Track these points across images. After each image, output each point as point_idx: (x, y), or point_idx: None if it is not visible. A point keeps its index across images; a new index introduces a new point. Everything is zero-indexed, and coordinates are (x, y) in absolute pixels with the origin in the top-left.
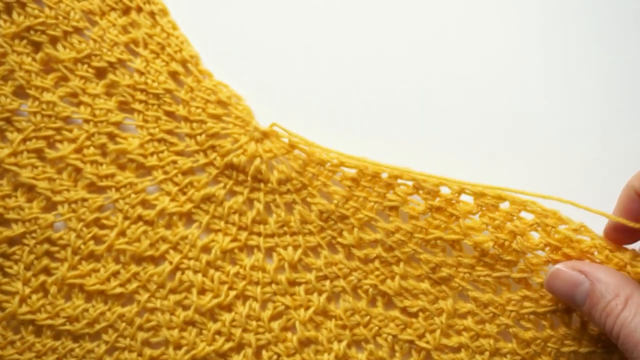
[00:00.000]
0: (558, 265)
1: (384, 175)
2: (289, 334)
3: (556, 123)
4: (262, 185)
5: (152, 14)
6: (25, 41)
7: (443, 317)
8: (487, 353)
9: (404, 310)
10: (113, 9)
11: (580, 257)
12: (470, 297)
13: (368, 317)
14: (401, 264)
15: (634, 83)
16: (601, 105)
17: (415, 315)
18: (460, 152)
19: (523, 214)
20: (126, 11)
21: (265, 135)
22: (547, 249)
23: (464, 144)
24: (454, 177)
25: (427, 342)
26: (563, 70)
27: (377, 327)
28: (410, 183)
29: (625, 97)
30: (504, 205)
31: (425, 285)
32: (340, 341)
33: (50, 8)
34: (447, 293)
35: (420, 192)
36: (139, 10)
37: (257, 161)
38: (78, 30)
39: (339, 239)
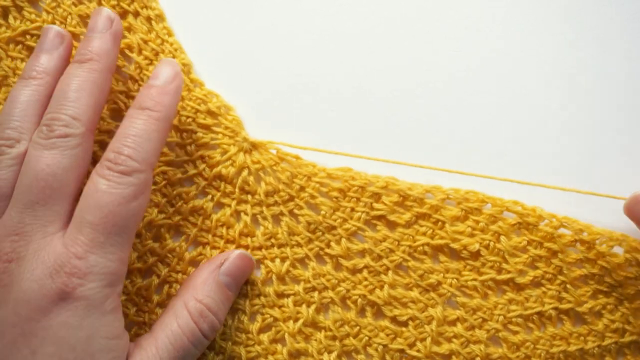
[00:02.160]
0: None
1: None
2: (278, 346)
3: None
4: (249, 197)
5: (148, 19)
6: (20, 46)
7: (433, 325)
8: (478, 359)
9: (393, 319)
10: None
11: (562, 250)
12: (459, 303)
13: (358, 327)
14: (389, 273)
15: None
16: (603, 101)
17: (405, 324)
18: (459, 150)
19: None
20: (123, 15)
21: (254, 146)
22: (530, 246)
23: (463, 142)
24: (445, 178)
25: (418, 351)
26: (565, 67)
27: (367, 337)
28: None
29: (626, 93)
30: (488, 207)
31: (414, 293)
32: (330, 352)
33: (48, 12)
34: (436, 300)
35: (406, 201)
36: (137, 14)
37: (245, 172)
38: (75, 36)
39: (327, 250)
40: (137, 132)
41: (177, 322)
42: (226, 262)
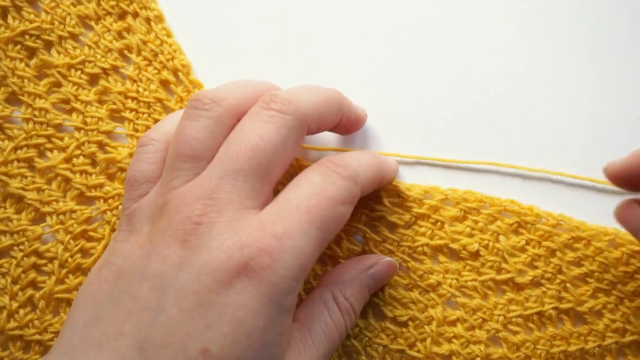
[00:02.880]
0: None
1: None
2: None
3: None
4: None
5: (147, 20)
6: (19, 46)
7: (433, 325)
8: (478, 359)
9: (393, 320)
10: (109, 13)
11: (560, 248)
12: (459, 304)
13: (358, 328)
14: None
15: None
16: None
17: (405, 324)
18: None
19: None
20: (122, 16)
21: None
22: (529, 246)
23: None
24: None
25: (418, 351)
26: (572, 63)
27: (367, 338)
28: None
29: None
30: (487, 207)
31: (414, 294)
32: None
33: (47, 12)
34: (436, 301)
35: (406, 202)
36: (136, 15)
37: None
38: (73, 36)
39: (328, 252)
40: (362, 157)
41: (330, 315)
42: (376, 266)
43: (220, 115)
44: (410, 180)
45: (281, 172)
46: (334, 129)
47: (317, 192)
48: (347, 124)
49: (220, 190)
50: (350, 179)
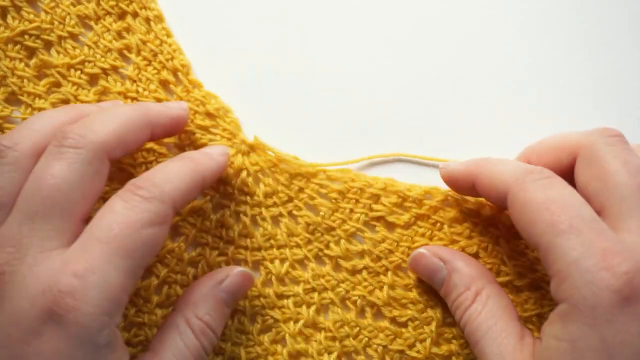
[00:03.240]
0: (421, 249)
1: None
2: (278, 347)
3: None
4: (248, 199)
5: (147, 20)
6: (19, 46)
7: (432, 326)
8: None
9: (393, 320)
10: (109, 13)
11: None
12: None
13: (357, 328)
14: (389, 274)
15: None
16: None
17: (404, 325)
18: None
19: None
20: (122, 16)
21: (252, 148)
22: (528, 249)
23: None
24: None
25: (418, 352)
26: (565, 66)
27: (367, 338)
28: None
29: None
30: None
31: (413, 294)
32: (330, 353)
33: (46, 12)
34: (435, 301)
35: (405, 202)
36: (135, 15)
37: (244, 174)
38: (73, 36)
39: (326, 251)
40: (170, 169)
41: (182, 341)
42: (227, 279)
43: (17, 160)
44: (410, 180)
45: (86, 206)
46: (151, 139)
47: (118, 220)
48: (163, 132)
49: (20, 237)
50: (154, 199)
